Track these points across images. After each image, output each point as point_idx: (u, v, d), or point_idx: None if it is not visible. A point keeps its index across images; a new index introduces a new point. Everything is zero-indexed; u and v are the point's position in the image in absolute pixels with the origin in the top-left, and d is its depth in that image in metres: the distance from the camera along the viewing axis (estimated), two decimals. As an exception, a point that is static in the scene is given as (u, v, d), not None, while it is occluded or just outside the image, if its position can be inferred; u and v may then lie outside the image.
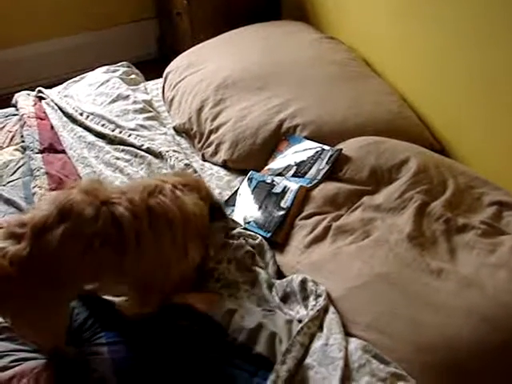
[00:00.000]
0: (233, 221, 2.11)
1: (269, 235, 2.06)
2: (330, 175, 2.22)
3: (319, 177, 2.21)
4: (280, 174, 2.28)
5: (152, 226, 1.67)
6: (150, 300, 1.77)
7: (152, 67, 3.67)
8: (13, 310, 1.58)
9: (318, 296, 1.79)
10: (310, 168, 2.25)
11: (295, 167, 2.28)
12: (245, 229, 2.10)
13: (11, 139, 2.75)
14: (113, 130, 2.65)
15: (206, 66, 2.89)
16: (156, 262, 1.71)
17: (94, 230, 1.58)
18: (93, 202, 1.61)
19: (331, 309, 1.76)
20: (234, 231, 2.07)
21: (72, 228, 1.56)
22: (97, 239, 1.59)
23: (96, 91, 3.00)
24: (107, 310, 1.83)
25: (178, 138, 2.72)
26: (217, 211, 2.01)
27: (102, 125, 2.70)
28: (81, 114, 2.79)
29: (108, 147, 2.58)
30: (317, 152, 2.28)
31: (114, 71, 3.16)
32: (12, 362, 1.70)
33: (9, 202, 2.32)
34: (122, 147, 2.57)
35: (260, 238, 2.06)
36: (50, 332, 1.66)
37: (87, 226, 1.58)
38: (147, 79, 3.26)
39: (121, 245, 1.63)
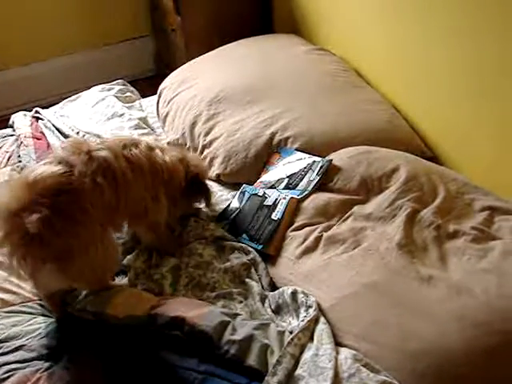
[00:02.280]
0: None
1: (260, 247, 2.08)
2: (321, 186, 2.23)
3: (310, 188, 2.22)
4: (272, 187, 2.30)
5: (128, 167, 1.92)
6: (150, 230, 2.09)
7: (149, 84, 3.71)
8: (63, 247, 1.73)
9: (308, 307, 1.80)
10: (302, 179, 2.26)
11: (287, 179, 2.30)
12: (238, 241, 2.12)
13: (8, 159, 2.77)
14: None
15: (199, 81, 2.91)
16: (139, 194, 1.97)
17: (92, 169, 1.82)
18: (80, 152, 1.84)
19: (322, 319, 1.77)
20: (227, 243, 2.11)
21: (78, 170, 1.79)
22: (97, 176, 1.81)
23: (92, 110, 3.03)
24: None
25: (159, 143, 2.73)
26: (196, 186, 2.21)
27: (100, 144, 2.72)
28: (77, 133, 2.82)
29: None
30: (308, 163, 2.30)
31: (109, 89, 3.19)
32: (4, 373, 1.76)
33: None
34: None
35: (252, 250, 2.08)
36: (99, 266, 1.87)
37: (87, 167, 1.81)
38: (144, 96, 3.29)
39: (114, 179, 1.86)
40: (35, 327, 1.90)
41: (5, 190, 1.74)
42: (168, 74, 3.18)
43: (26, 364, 1.79)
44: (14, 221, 1.66)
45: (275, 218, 2.12)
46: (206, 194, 2.27)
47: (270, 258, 2.08)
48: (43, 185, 1.71)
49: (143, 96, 3.29)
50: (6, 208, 1.67)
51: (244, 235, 2.14)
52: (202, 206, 2.31)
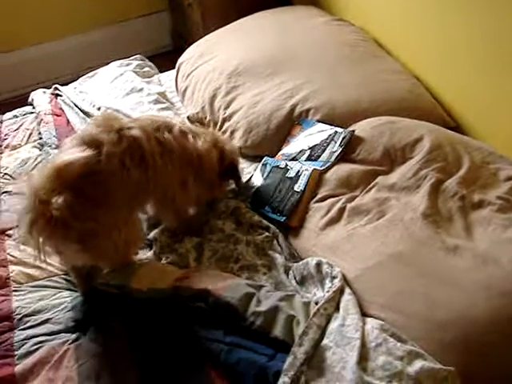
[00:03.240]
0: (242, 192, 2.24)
1: (283, 219, 2.07)
2: (344, 157, 2.22)
3: (332, 159, 2.20)
4: (294, 159, 2.28)
5: (159, 151, 1.89)
6: (174, 216, 2.08)
7: (166, 59, 3.68)
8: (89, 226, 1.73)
9: (333, 278, 1.79)
10: (324, 151, 2.25)
11: (309, 151, 2.28)
12: (259, 214, 2.12)
13: (29, 137, 2.79)
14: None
15: (217, 54, 2.89)
16: (167, 180, 1.94)
17: (121, 150, 1.79)
18: (110, 130, 1.82)
19: (347, 290, 1.76)
20: (245, 219, 2.11)
21: (105, 151, 1.77)
22: (125, 157, 1.80)
23: (110, 85, 3.03)
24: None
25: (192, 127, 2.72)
26: (230, 172, 2.16)
27: (120, 119, 2.72)
28: (98, 109, 2.82)
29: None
30: (330, 135, 2.28)
31: (127, 65, 3.19)
32: (33, 345, 1.80)
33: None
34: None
35: (271, 225, 2.08)
36: (125, 236, 1.85)
37: (115, 147, 1.79)
38: (162, 71, 3.28)
39: (143, 161, 1.84)
40: (61, 301, 1.93)
41: (34, 177, 1.72)
42: (185, 49, 3.17)
43: (54, 336, 1.82)
44: (40, 207, 1.66)
45: (298, 190, 2.11)
46: (239, 179, 2.24)
47: (293, 229, 2.08)
48: (70, 171, 1.70)
49: (161, 71, 3.28)
50: (33, 194, 1.66)
51: (267, 207, 2.13)
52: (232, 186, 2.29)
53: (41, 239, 1.70)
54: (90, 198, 1.73)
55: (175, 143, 1.93)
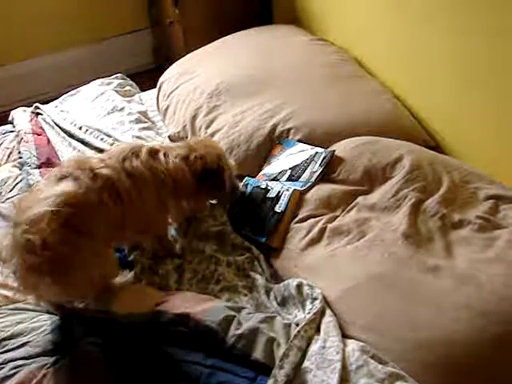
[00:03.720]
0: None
1: (264, 240, 2.07)
2: (324, 177, 2.22)
3: (313, 179, 2.21)
4: (275, 179, 2.29)
5: (131, 183, 1.90)
6: (155, 240, 2.08)
7: (148, 77, 3.69)
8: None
9: (314, 299, 1.79)
10: (304, 171, 2.25)
11: (289, 171, 2.29)
12: (240, 235, 2.11)
13: (8, 156, 2.77)
14: (111, 144, 2.66)
15: (198, 73, 2.90)
16: (145, 207, 1.94)
17: (98, 185, 1.82)
18: (84, 169, 1.84)
19: (328, 311, 1.77)
20: (227, 239, 2.10)
21: (83, 187, 1.78)
22: (103, 193, 1.81)
23: (91, 104, 3.03)
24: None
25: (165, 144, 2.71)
26: (208, 176, 2.09)
27: (101, 139, 2.71)
28: (79, 128, 2.81)
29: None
30: (310, 155, 2.29)
31: (108, 84, 3.18)
32: (11, 369, 1.76)
33: (7, 218, 2.33)
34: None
35: (251, 246, 2.08)
36: (100, 270, 1.86)
37: (92, 183, 1.81)
38: (143, 89, 3.28)
39: (119, 197, 1.85)
40: (40, 324, 1.90)
41: (16, 205, 1.77)
42: (167, 68, 3.17)
43: (32, 360, 1.79)
44: (22, 236, 1.66)
45: (278, 211, 2.11)
46: (221, 182, 2.14)
47: (274, 250, 2.07)
48: (54, 202, 1.71)
49: (142, 90, 3.28)
50: (17, 223, 1.68)
51: (247, 228, 2.13)
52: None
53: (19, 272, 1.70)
54: (72, 226, 1.72)
55: (145, 169, 1.93)
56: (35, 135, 2.84)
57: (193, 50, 3.21)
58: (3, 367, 1.77)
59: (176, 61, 3.19)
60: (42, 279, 1.73)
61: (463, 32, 2.24)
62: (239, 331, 1.71)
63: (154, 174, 1.95)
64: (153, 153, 1.99)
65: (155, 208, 1.98)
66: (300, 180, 2.23)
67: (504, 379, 1.63)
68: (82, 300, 1.91)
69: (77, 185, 1.78)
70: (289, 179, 2.26)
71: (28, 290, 1.81)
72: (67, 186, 1.77)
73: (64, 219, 1.70)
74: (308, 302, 1.80)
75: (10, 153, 2.79)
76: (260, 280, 1.97)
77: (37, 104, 3.09)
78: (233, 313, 1.78)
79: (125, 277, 2.01)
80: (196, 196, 2.10)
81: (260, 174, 2.35)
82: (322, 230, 2.03)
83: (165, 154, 2.01)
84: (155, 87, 3.13)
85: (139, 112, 2.93)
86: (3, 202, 2.46)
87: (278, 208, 2.12)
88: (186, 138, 2.66)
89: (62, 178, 1.81)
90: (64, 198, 1.72)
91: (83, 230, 1.76)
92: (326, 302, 1.80)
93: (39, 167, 2.61)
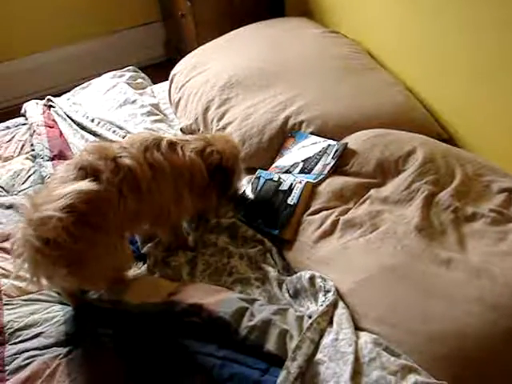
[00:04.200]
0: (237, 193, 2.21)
1: (277, 232, 2.07)
2: (337, 169, 2.22)
3: (325, 172, 2.20)
4: (287, 171, 2.28)
5: (151, 175, 1.91)
6: (170, 232, 2.09)
7: (159, 70, 3.69)
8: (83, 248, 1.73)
9: (326, 292, 1.79)
10: (316, 163, 2.25)
11: (302, 163, 2.28)
12: (252, 227, 2.11)
13: (21, 148, 2.78)
14: (123, 137, 2.66)
15: (210, 66, 2.89)
16: (162, 199, 1.95)
17: (119, 178, 1.82)
18: (106, 158, 1.84)
19: (340, 304, 1.76)
20: (239, 232, 2.11)
21: (105, 178, 1.79)
22: (124, 186, 1.82)
23: (103, 97, 3.03)
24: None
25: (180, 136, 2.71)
26: (219, 172, 2.08)
27: (113, 131, 2.71)
28: (92, 121, 2.81)
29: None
30: (323, 147, 2.28)
31: (120, 76, 3.19)
32: (25, 359, 1.78)
33: (21, 210, 2.33)
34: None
35: (264, 239, 2.09)
36: (115, 262, 1.88)
37: (113, 175, 1.82)
38: (155, 82, 3.28)
39: (138, 190, 1.86)
40: (53, 315, 1.92)
41: (33, 199, 1.74)
42: (178, 60, 3.17)
43: (45, 351, 1.81)
44: (37, 232, 1.66)
45: (291, 203, 2.11)
46: (228, 177, 2.13)
47: (287, 242, 2.07)
48: (74, 199, 1.69)
49: (154, 82, 3.28)
50: (31, 220, 1.67)
51: (260, 220, 2.13)
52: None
53: (33, 265, 1.70)
54: (86, 222, 1.72)
55: (165, 162, 1.94)
56: (47, 128, 2.85)
57: (204, 43, 3.20)
58: (17, 357, 1.79)
59: (188, 53, 3.19)
60: (57, 271, 1.74)
61: (474, 23, 2.22)
62: (252, 323, 1.72)
63: (173, 166, 1.96)
64: (172, 145, 2.00)
65: (172, 200, 1.98)
66: (313, 172, 2.23)
67: (516, 372, 1.63)
68: (96, 290, 1.92)
69: (94, 181, 1.75)
70: (301, 172, 2.25)
71: (41, 278, 1.80)
72: (84, 183, 1.73)
73: (77, 217, 1.68)
74: (321, 295, 1.80)
75: (23, 145, 2.80)
76: (272, 272, 1.97)
77: (49, 97, 3.09)
78: (246, 304, 1.78)
79: (138, 269, 2.02)
80: (205, 190, 2.09)
81: (272, 166, 2.35)
82: (335, 223, 2.03)
83: (182, 147, 2.01)
84: (167, 80, 3.13)
85: (151, 104, 2.94)
86: (16, 194, 2.48)
87: (291, 200, 2.12)
88: (198, 130, 2.67)
89: (80, 168, 1.81)
90: (79, 196, 1.69)
91: (98, 225, 1.76)
92: (339, 295, 1.79)
93: (52, 159, 2.62)
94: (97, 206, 1.75)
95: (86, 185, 1.72)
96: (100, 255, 1.79)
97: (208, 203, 2.14)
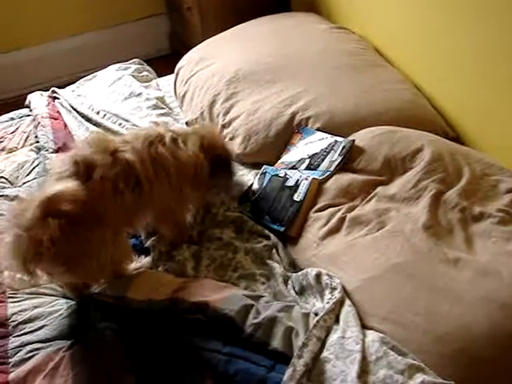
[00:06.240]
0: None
1: (282, 229, 2.06)
2: (344, 166, 2.20)
3: (332, 168, 2.19)
4: (293, 167, 2.27)
5: (154, 171, 1.89)
6: (174, 227, 2.07)
7: (164, 63, 3.67)
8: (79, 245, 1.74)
9: (333, 289, 1.78)
10: (323, 160, 2.24)
11: (308, 160, 2.27)
12: (258, 223, 2.10)
13: (25, 140, 2.77)
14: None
15: (216, 60, 2.88)
16: (165, 196, 1.94)
17: (115, 172, 1.80)
18: (105, 152, 1.82)
19: (347, 301, 1.75)
20: (245, 226, 2.10)
21: (99, 174, 1.77)
22: (119, 181, 1.80)
23: (108, 89, 3.01)
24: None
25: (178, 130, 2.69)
26: (220, 166, 2.10)
27: (119, 124, 2.69)
28: (97, 113, 2.80)
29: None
30: (329, 144, 2.27)
31: (125, 69, 3.17)
32: (28, 352, 1.78)
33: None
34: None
35: (270, 234, 2.08)
36: (112, 257, 1.85)
37: (109, 170, 1.79)
38: (160, 75, 3.26)
39: (138, 185, 1.84)
40: (57, 308, 1.91)
41: (24, 204, 1.72)
42: (183, 53, 3.15)
43: (49, 343, 1.80)
44: (30, 231, 1.65)
45: (297, 200, 2.10)
46: (227, 164, 2.16)
47: (293, 239, 2.06)
48: (61, 201, 1.68)
49: (158, 75, 3.26)
50: (23, 222, 1.66)
51: (266, 217, 2.12)
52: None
53: (31, 265, 1.69)
54: (81, 222, 1.71)
55: (170, 157, 1.93)
56: (52, 119, 2.84)
57: (210, 37, 3.18)
58: (20, 350, 1.79)
59: (193, 47, 3.17)
60: (55, 269, 1.75)
61: (487, 21, 2.20)
62: (257, 320, 1.71)
63: (178, 161, 1.94)
64: (175, 139, 1.98)
65: (175, 196, 1.97)
66: (319, 169, 2.22)
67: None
68: (97, 284, 1.91)
69: (85, 178, 1.75)
70: (308, 168, 2.24)
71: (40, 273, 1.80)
72: (66, 185, 1.71)
73: (65, 219, 1.67)
74: (327, 292, 1.78)
75: (27, 137, 2.79)
76: (278, 268, 1.96)
77: (54, 88, 3.08)
78: (251, 301, 1.77)
79: (140, 262, 2.01)
80: (208, 184, 2.09)
81: (278, 162, 2.34)
82: (342, 220, 2.02)
83: (183, 142, 2.00)
84: (172, 73, 3.11)
85: (157, 98, 2.92)
86: (20, 186, 2.47)
87: (297, 197, 2.10)
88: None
89: (75, 163, 1.79)
90: (67, 195, 1.67)
91: (89, 223, 1.74)
92: (345, 292, 1.78)
93: (56, 151, 2.60)
94: (87, 208, 1.72)
95: (68, 186, 1.69)
96: (95, 251, 1.78)
97: (204, 198, 2.14)
